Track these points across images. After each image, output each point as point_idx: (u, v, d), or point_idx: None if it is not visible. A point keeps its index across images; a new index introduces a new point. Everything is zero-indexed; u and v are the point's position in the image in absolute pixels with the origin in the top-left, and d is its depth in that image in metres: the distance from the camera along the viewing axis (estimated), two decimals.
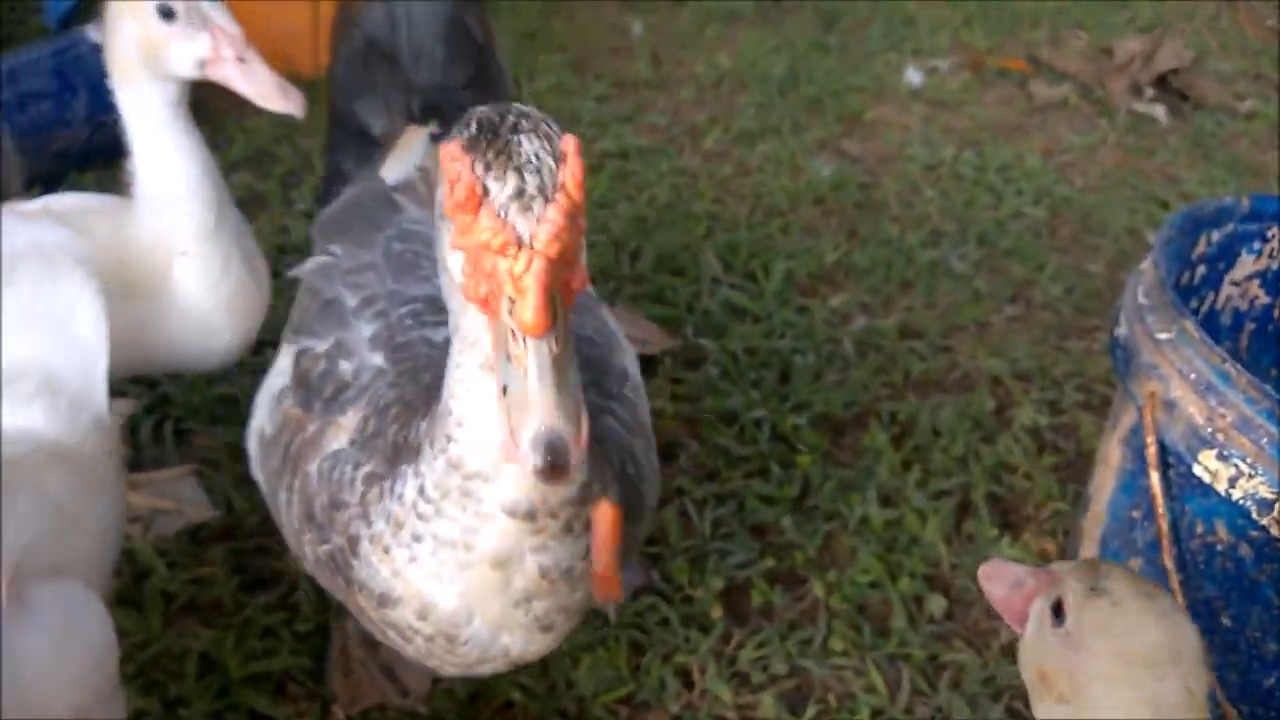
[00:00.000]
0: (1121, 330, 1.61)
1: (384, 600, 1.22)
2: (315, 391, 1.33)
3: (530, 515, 1.11)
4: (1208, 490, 1.46)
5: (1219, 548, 1.47)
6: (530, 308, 0.93)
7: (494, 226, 0.94)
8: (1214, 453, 1.41)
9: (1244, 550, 1.44)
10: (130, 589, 1.73)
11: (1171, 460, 1.52)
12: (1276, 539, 1.39)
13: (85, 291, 1.24)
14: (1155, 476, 1.51)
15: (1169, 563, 1.50)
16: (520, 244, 0.94)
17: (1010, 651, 1.81)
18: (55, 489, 1.17)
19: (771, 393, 2.23)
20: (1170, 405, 1.47)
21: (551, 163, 0.96)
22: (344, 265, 1.44)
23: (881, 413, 2.22)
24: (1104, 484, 1.74)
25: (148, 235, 1.53)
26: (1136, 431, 1.59)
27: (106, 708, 1.17)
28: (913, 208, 2.89)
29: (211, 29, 1.38)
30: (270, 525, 1.48)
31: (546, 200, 0.95)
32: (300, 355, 1.38)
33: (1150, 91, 3.53)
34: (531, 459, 0.94)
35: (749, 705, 1.71)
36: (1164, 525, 1.50)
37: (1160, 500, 1.50)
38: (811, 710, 1.68)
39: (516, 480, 1.09)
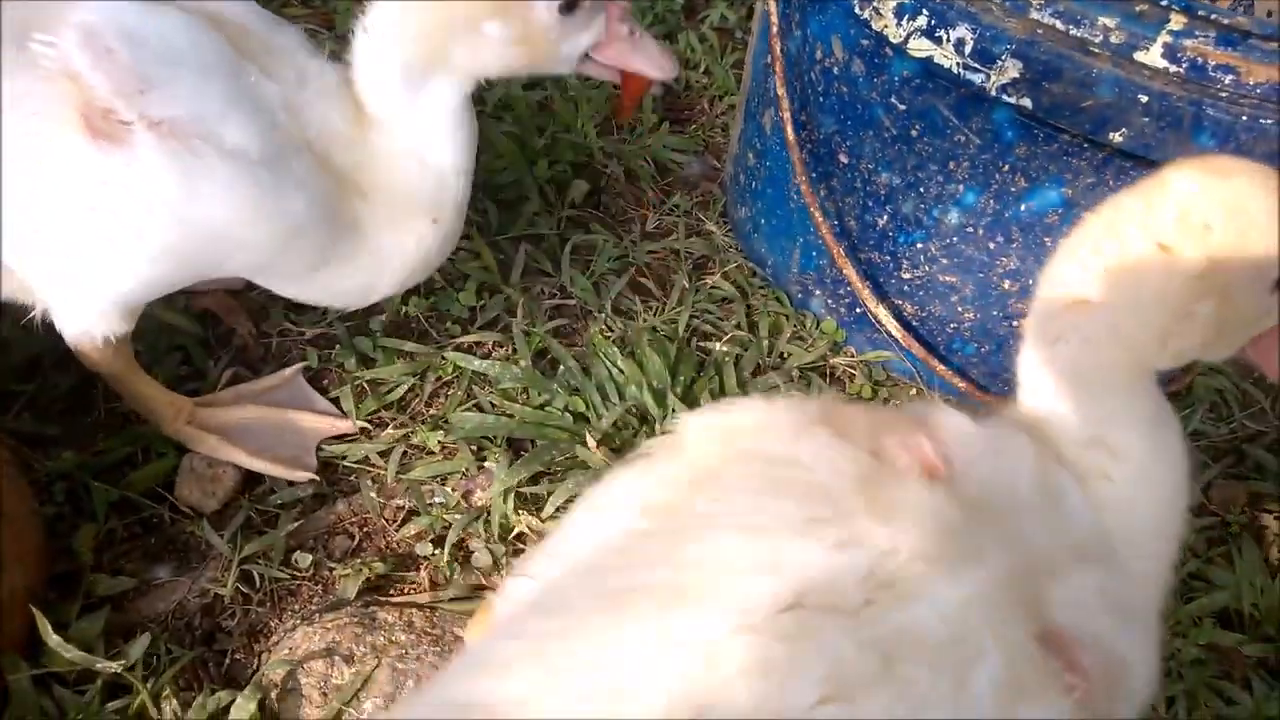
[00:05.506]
0: None
1: None
2: None
3: None
4: (825, 3, 1.28)
5: (835, 71, 1.31)
6: None
7: None
8: None
9: (857, 67, 1.28)
10: None
11: None
12: (882, 46, 1.22)
13: None
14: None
15: (781, 89, 1.33)
16: None
17: (649, 235, 1.66)
18: None
19: None
20: None
21: None
22: None
23: None
24: (751, 44, 1.55)
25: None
26: None
27: None
28: None
29: (607, 8, 1.12)
30: None
31: None
32: None
33: None
34: None
35: None
36: (776, 47, 1.33)
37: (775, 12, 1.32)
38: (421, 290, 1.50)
39: None
